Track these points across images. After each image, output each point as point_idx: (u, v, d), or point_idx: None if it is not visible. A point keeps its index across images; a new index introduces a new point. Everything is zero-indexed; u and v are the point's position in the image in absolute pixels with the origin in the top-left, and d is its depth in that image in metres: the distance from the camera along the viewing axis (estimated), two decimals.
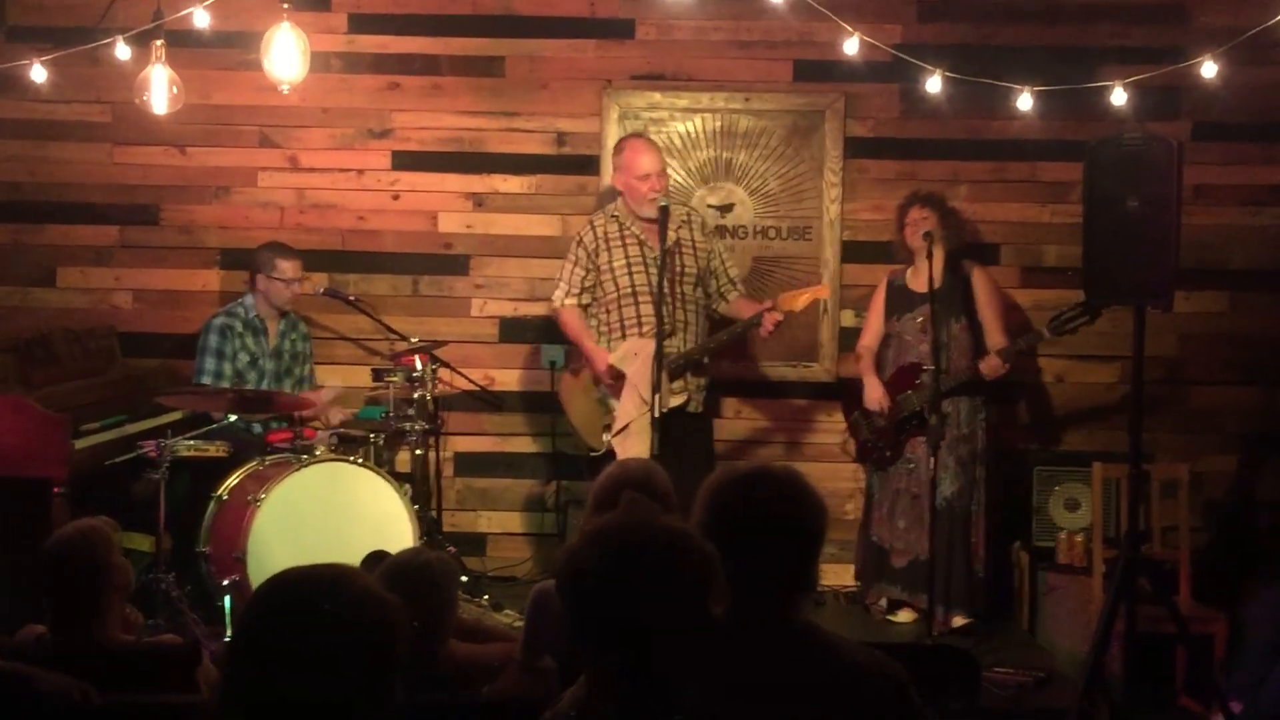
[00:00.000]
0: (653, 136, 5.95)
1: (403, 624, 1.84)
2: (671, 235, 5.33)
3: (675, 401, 5.30)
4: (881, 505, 5.63)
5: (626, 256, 5.40)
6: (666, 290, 5.19)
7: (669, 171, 5.75)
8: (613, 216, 5.47)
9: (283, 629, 1.77)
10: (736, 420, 6.23)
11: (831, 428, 6.17)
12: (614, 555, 2.03)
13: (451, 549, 5.84)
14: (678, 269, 5.38)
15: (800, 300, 5.25)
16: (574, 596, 2.06)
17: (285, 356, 5.85)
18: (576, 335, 5.51)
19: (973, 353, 5.50)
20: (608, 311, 5.44)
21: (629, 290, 5.38)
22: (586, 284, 5.47)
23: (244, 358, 5.71)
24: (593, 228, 5.48)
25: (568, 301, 5.51)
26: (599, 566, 2.03)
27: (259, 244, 5.83)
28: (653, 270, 5.31)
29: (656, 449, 4.88)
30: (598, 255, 5.43)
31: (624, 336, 5.37)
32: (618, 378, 5.32)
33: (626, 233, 5.42)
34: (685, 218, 5.53)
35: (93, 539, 3.38)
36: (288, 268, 5.72)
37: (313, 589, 1.80)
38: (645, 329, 5.31)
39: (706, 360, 5.50)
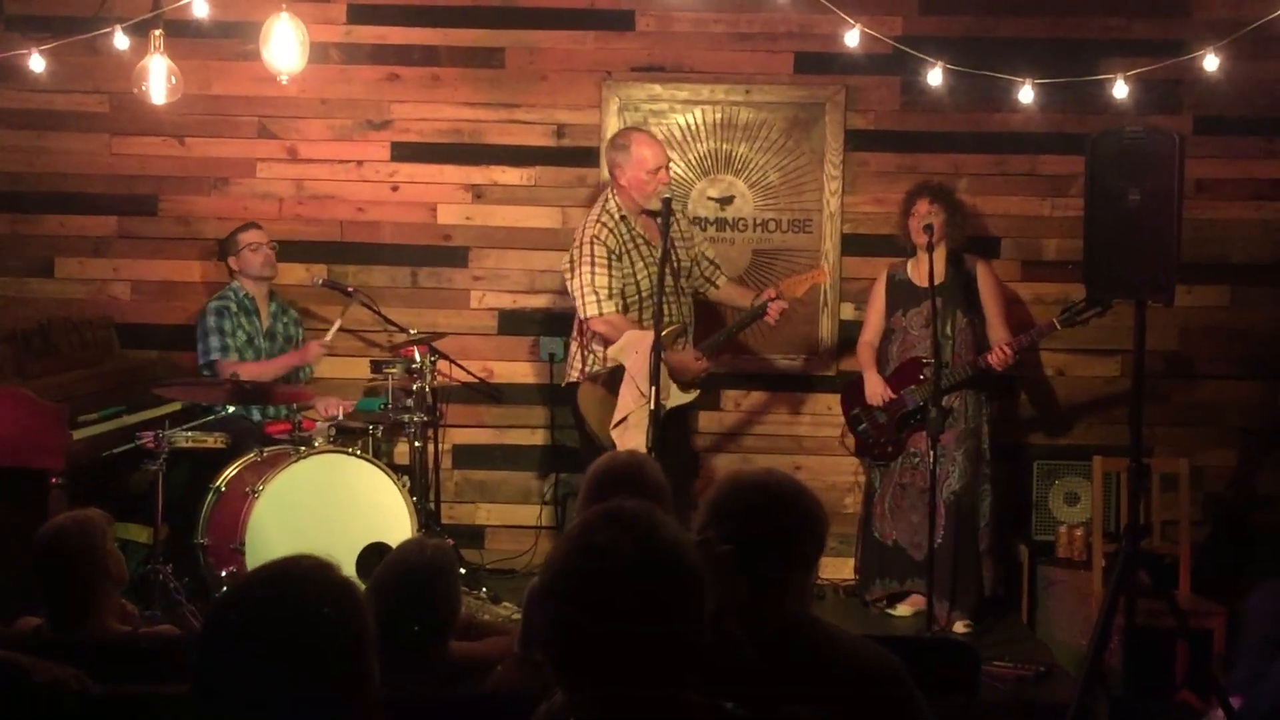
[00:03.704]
0: (653, 129, 5.94)
1: (365, 618, 1.82)
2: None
3: (689, 398, 5.31)
4: (883, 501, 5.61)
5: (642, 258, 5.34)
6: (670, 285, 5.17)
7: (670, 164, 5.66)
8: (621, 218, 5.35)
9: (244, 627, 1.75)
10: (737, 413, 6.22)
11: (832, 421, 6.15)
12: (588, 577, 1.86)
13: (450, 541, 5.84)
14: (674, 264, 5.36)
15: (801, 286, 5.43)
16: (554, 616, 1.91)
17: (279, 339, 5.86)
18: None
19: (976, 347, 5.48)
20: (627, 313, 5.34)
21: (649, 292, 5.28)
22: (618, 287, 5.28)
23: (241, 336, 5.74)
24: (609, 230, 5.31)
25: (608, 306, 5.25)
26: (576, 592, 1.87)
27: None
28: (655, 268, 5.27)
29: (653, 442, 4.86)
30: (621, 258, 5.30)
31: None
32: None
33: (634, 234, 5.36)
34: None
35: (86, 528, 3.37)
36: (251, 235, 5.79)
37: (278, 586, 1.79)
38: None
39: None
